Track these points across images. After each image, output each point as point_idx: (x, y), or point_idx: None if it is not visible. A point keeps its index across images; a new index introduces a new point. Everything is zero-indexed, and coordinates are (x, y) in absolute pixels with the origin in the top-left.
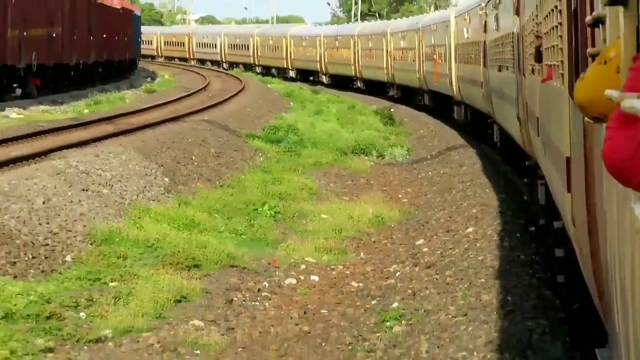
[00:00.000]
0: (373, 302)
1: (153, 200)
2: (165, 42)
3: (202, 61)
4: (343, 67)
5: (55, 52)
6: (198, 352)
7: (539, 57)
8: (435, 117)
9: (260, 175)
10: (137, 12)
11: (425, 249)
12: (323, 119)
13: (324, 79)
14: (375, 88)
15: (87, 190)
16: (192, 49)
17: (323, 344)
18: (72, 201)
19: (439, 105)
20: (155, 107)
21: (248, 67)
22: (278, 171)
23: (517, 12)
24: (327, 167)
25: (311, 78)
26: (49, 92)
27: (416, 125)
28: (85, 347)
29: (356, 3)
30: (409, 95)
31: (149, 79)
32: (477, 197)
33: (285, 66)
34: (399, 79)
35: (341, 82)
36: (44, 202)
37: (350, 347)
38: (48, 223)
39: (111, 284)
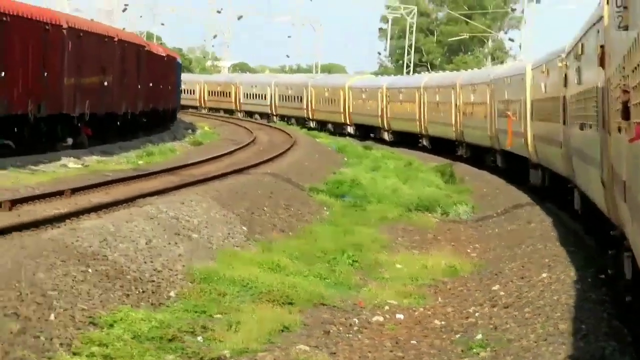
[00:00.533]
0: (457, 335)
1: (237, 247)
2: (209, 92)
3: (249, 113)
4: (407, 123)
5: (106, 101)
6: None
7: (626, 113)
8: (498, 176)
9: (330, 228)
10: (179, 60)
11: (502, 293)
12: (382, 174)
13: (386, 136)
14: (441, 147)
15: (179, 234)
16: (239, 99)
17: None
18: (169, 243)
19: (513, 167)
20: (212, 160)
21: (300, 121)
22: (346, 224)
23: (602, 64)
24: (393, 222)
25: (372, 135)
26: (98, 142)
27: (479, 184)
28: None
29: (409, 53)
30: (479, 156)
31: (190, 131)
32: (547, 249)
33: (343, 121)
34: (469, 137)
35: (405, 140)
36: (146, 243)
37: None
38: (152, 262)
39: (216, 316)
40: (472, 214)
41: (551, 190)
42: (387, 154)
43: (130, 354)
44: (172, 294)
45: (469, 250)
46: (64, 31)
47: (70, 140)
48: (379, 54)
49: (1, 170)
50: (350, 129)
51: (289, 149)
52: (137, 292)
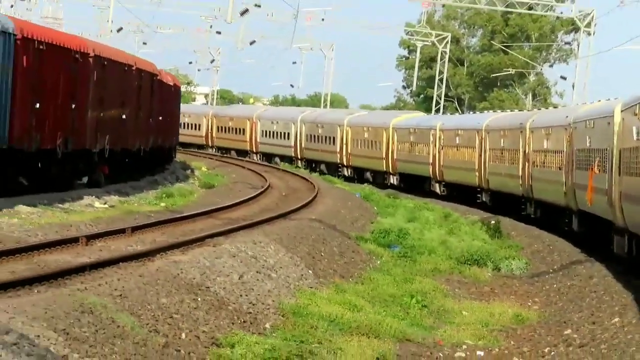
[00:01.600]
0: None
1: (311, 287)
2: (218, 128)
3: (269, 156)
4: (464, 174)
5: (123, 136)
6: None
7: None
8: (547, 231)
9: (388, 276)
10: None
11: (575, 336)
12: (422, 226)
13: (437, 189)
14: (506, 204)
15: (260, 272)
16: (256, 138)
17: None
18: (257, 279)
19: (592, 232)
20: (241, 204)
21: (332, 168)
22: (401, 274)
23: None
24: (446, 274)
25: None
26: (110, 181)
27: (527, 239)
28: None
29: (439, 87)
30: (550, 216)
31: (189, 171)
32: (614, 300)
33: (385, 169)
34: (539, 193)
35: (460, 194)
36: (238, 278)
37: None
38: (247, 295)
39: (313, 345)
40: (525, 270)
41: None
42: (420, 204)
43: None
44: (267, 325)
45: (529, 303)
46: (90, 60)
47: (85, 179)
48: (406, 87)
49: (31, 207)
50: (393, 179)
51: (316, 195)
52: (238, 322)
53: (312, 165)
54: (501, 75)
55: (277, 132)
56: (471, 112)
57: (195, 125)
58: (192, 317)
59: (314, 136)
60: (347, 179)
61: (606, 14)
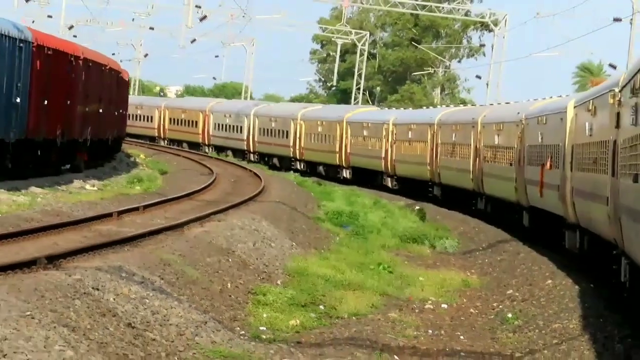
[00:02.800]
0: (492, 316)
1: (300, 255)
2: (171, 120)
3: (220, 149)
4: (416, 168)
5: (100, 128)
6: (402, 325)
7: None
8: (471, 215)
9: (349, 249)
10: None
11: (517, 294)
12: (360, 209)
13: (389, 183)
14: (456, 198)
15: (264, 242)
16: (209, 131)
17: (476, 325)
18: (265, 247)
19: (544, 227)
20: (207, 188)
21: (285, 161)
22: (358, 248)
23: None
24: (394, 249)
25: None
26: (85, 167)
27: (453, 223)
28: (336, 320)
29: (358, 83)
30: (502, 211)
31: (132, 159)
32: (543, 269)
33: (338, 163)
34: (490, 189)
35: (413, 188)
36: (253, 245)
37: (492, 329)
38: (261, 259)
39: (319, 296)
40: (457, 247)
41: (591, 257)
42: (348, 192)
43: (288, 310)
44: (278, 282)
45: (469, 274)
46: (80, 62)
47: (68, 165)
48: (321, 80)
49: (40, 188)
50: (346, 173)
51: (262, 181)
52: (260, 278)
53: (265, 159)
54: (408, 68)
55: (229, 125)
56: (381, 105)
57: (148, 117)
58: (229, 272)
59: (267, 130)
60: (302, 173)
61: (523, 23)
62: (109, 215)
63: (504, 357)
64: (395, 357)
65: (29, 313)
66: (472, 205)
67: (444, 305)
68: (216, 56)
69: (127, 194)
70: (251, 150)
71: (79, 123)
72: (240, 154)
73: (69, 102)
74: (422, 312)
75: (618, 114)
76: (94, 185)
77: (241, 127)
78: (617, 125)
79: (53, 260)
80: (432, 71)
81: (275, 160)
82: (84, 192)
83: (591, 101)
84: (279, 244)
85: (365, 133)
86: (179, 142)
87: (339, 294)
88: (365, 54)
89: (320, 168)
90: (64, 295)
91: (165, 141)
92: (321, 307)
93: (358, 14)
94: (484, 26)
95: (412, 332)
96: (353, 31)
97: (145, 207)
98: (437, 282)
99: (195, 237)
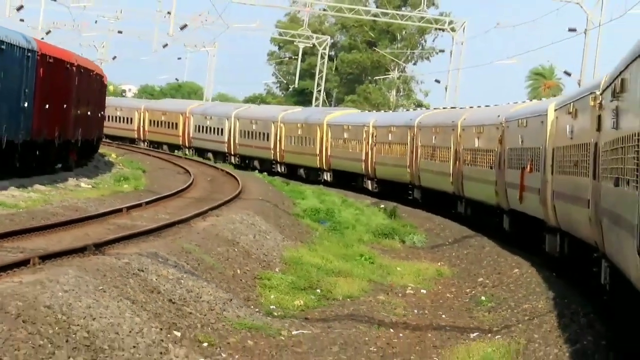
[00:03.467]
0: (466, 300)
1: (291, 247)
2: (150, 122)
3: (201, 152)
4: (396, 171)
5: (88, 130)
6: (391, 306)
7: None
8: (434, 213)
9: (330, 242)
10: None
11: (487, 281)
12: (332, 207)
13: (369, 186)
14: (436, 201)
15: (260, 234)
16: (189, 133)
17: (454, 307)
18: (262, 239)
19: (524, 231)
20: (190, 187)
21: (266, 164)
22: (338, 242)
23: None
24: (369, 243)
25: (353, 184)
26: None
27: (418, 220)
28: (333, 302)
29: (319, 85)
30: (481, 215)
31: (106, 158)
32: (509, 261)
33: (319, 165)
34: (470, 192)
35: (393, 190)
36: (253, 237)
37: (469, 310)
38: (261, 249)
39: (315, 282)
40: (425, 242)
41: (571, 260)
42: (317, 191)
43: (291, 292)
44: (277, 269)
45: (439, 264)
46: (74, 69)
47: (60, 164)
48: (279, 82)
49: (43, 186)
50: (327, 176)
51: (238, 180)
52: (262, 266)
53: (245, 161)
54: (364, 70)
55: (210, 128)
56: (339, 106)
57: (127, 118)
58: (237, 260)
59: (248, 132)
60: (281, 176)
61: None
62: (119, 210)
63: (483, 331)
64: (391, 330)
65: (100, 287)
66: (453, 209)
67: (423, 291)
68: (179, 58)
69: (121, 191)
70: (232, 152)
71: (72, 125)
72: (221, 156)
73: (65, 106)
74: (405, 296)
75: (599, 117)
76: (88, 184)
77: (222, 130)
78: (598, 128)
79: (99, 247)
80: (391, 76)
81: (255, 163)
82: (80, 190)
83: (572, 104)
84: (272, 236)
85: (345, 135)
86: (158, 144)
87: (332, 280)
88: (326, 57)
89: (301, 171)
90: (119, 275)
91: (145, 143)
92: (318, 290)
93: (317, 17)
94: (441, 30)
95: (401, 311)
96: (315, 35)
97: (147, 203)
98: (413, 271)
99: (203, 230)
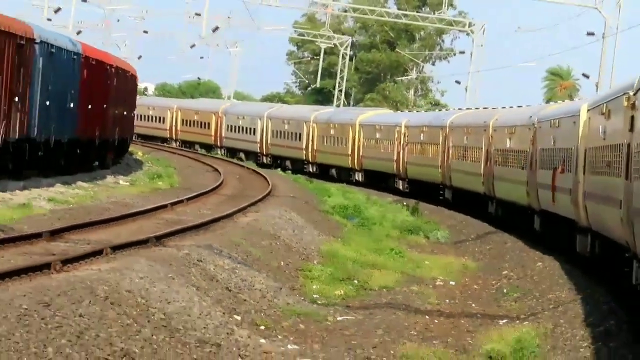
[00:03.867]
0: (493, 291)
1: (326, 241)
2: (183, 121)
3: (232, 151)
4: (427, 171)
5: (123, 128)
6: (424, 296)
7: None
8: (457, 211)
9: (360, 237)
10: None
11: (512, 274)
12: (359, 204)
13: (401, 186)
14: (467, 202)
15: (298, 228)
16: (221, 133)
17: (482, 297)
18: (300, 233)
19: (555, 232)
20: (221, 185)
21: (298, 164)
22: (367, 237)
23: None
24: (396, 239)
25: (384, 185)
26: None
27: (441, 218)
28: (370, 292)
29: (340, 85)
30: (511, 214)
31: (134, 156)
32: (531, 255)
33: (351, 165)
34: (501, 193)
35: (424, 191)
36: (292, 231)
37: (496, 300)
38: (300, 243)
39: (351, 273)
40: (448, 238)
41: (603, 260)
42: (341, 188)
43: (331, 283)
44: (315, 262)
45: (464, 259)
46: (113, 70)
47: (96, 162)
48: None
49: (85, 183)
50: (359, 176)
51: (265, 177)
52: (302, 259)
53: (277, 161)
54: (383, 69)
55: (242, 127)
56: (358, 105)
57: (160, 118)
58: (280, 253)
59: (280, 132)
60: (313, 176)
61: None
62: (164, 206)
63: (512, 318)
64: (426, 316)
65: (170, 275)
66: (483, 209)
67: (452, 283)
68: (201, 57)
69: (158, 188)
70: (264, 152)
71: (110, 125)
72: (253, 156)
73: (104, 106)
74: (435, 287)
75: (632, 118)
76: (125, 181)
77: (254, 129)
78: (631, 129)
79: (159, 239)
80: (410, 76)
81: (287, 163)
82: (119, 187)
83: (605, 104)
84: (309, 231)
85: (377, 135)
86: (190, 144)
87: (367, 272)
88: (347, 57)
89: (333, 171)
90: (183, 264)
91: (177, 142)
92: (355, 281)
93: (336, 17)
94: (460, 31)
95: (434, 300)
96: (336, 36)
97: (190, 199)
98: (440, 265)
99: (247, 225)
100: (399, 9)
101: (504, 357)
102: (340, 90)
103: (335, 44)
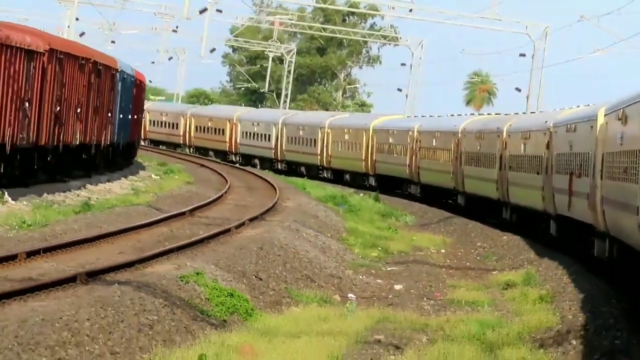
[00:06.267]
0: (475, 256)
1: (344, 221)
2: (197, 128)
3: (248, 158)
4: (440, 176)
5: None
6: (431, 258)
7: None
8: (419, 202)
9: (355, 219)
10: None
11: (485, 245)
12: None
13: (414, 190)
14: (481, 207)
15: (323, 212)
16: (236, 139)
17: (469, 259)
18: (326, 215)
19: (572, 237)
20: (232, 187)
21: (313, 170)
22: (359, 219)
23: None
24: (379, 221)
25: (398, 191)
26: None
27: (404, 206)
28: (392, 254)
29: (286, 89)
30: (527, 220)
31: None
32: (494, 232)
33: (364, 170)
34: (515, 198)
35: (436, 196)
36: (324, 213)
37: (481, 260)
38: (330, 221)
39: (374, 242)
40: (415, 222)
41: (620, 265)
42: (307, 183)
43: (365, 248)
44: (343, 234)
45: (442, 236)
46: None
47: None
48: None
49: (125, 178)
50: (372, 180)
51: (265, 178)
52: (334, 232)
53: (292, 167)
54: (314, 73)
55: (257, 134)
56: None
57: (173, 124)
58: (325, 227)
59: (295, 138)
60: (328, 181)
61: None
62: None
63: (500, 270)
64: (443, 269)
65: (296, 237)
66: (498, 215)
67: (442, 251)
68: (152, 62)
69: (190, 181)
70: (279, 158)
71: (136, 130)
72: (268, 162)
73: (136, 116)
74: (432, 253)
75: None
76: (156, 176)
77: (269, 136)
78: None
79: (231, 230)
80: (335, 72)
81: (302, 169)
82: (155, 180)
83: (622, 110)
84: (329, 213)
85: (390, 140)
86: (204, 150)
87: (384, 242)
88: (292, 65)
89: (347, 176)
90: (290, 231)
91: (191, 149)
92: (379, 248)
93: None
94: (387, 39)
95: (440, 259)
96: (283, 46)
97: (196, 209)
98: (425, 239)
99: (256, 235)
100: (327, 19)
101: (517, 284)
102: (287, 95)
103: (282, 53)
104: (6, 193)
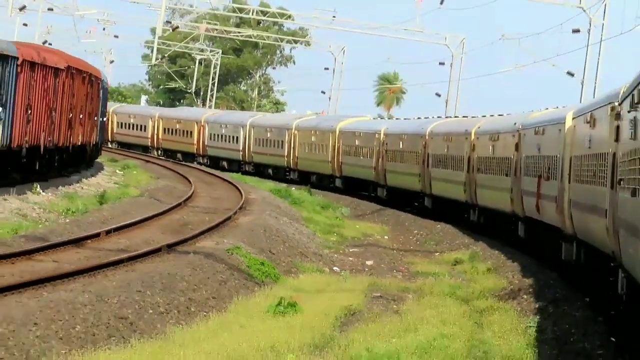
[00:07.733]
0: (415, 242)
1: (302, 226)
2: (165, 130)
3: (216, 160)
4: (407, 179)
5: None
6: (381, 242)
7: None
8: (350, 196)
9: (306, 209)
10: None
11: (421, 232)
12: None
13: (380, 193)
14: (448, 210)
15: (277, 202)
16: (204, 141)
17: (411, 243)
18: (286, 206)
19: (539, 240)
20: (205, 186)
21: (280, 171)
22: (308, 209)
23: None
24: (321, 212)
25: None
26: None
27: (336, 199)
28: (349, 239)
29: (212, 90)
30: (496, 223)
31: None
32: (429, 222)
33: (331, 172)
34: (484, 200)
35: (403, 198)
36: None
37: (421, 245)
38: (290, 212)
39: (330, 229)
40: (350, 213)
41: (587, 269)
42: (259, 183)
43: (324, 233)
44: (302, 223)
45: (380, 225)
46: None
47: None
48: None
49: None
50: (338, 182)
51: (230, 181)
52: (297, 221)
53: (259, 169)
54: (230, 71)
55: (225, 136)
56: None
57: (141, 126)
58: (289, 215)
59: (263, 140)
60: (294, 183)
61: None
62: (179, 205)
63: (442, 252)
64: (394, 251)
65: (281, 221)
66: (464, 216)
67: (386, 237)
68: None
69: (153, 177)
70: (247, 160)
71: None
72: (236, 164)
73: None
74: (379, 239)
75: (617, 127)
76: (120, 171)
77: (237, 138)
78: (617, 139)
79: (231, 217)
80: (251, 72)
81: (269, 171)
82: (118, 175)
83: (590, 113)
84: (285, 204)
85: (357, 142)
86: (172, 152)
87: (337, 229)
88: (218, 67)
89: (314, 177)
90: (276, 216)
91: (159, 151)
92: (335, 234)
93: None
94: (296, 42)
95: (389, 244)
96: (209, 49)
97: (185, 200)
98: (367, 227)
99: (253, 221)
100: (241, 20)
101: (464, 261)
102: (212, 95)
103: (208, 56)
104: (38, 186)
